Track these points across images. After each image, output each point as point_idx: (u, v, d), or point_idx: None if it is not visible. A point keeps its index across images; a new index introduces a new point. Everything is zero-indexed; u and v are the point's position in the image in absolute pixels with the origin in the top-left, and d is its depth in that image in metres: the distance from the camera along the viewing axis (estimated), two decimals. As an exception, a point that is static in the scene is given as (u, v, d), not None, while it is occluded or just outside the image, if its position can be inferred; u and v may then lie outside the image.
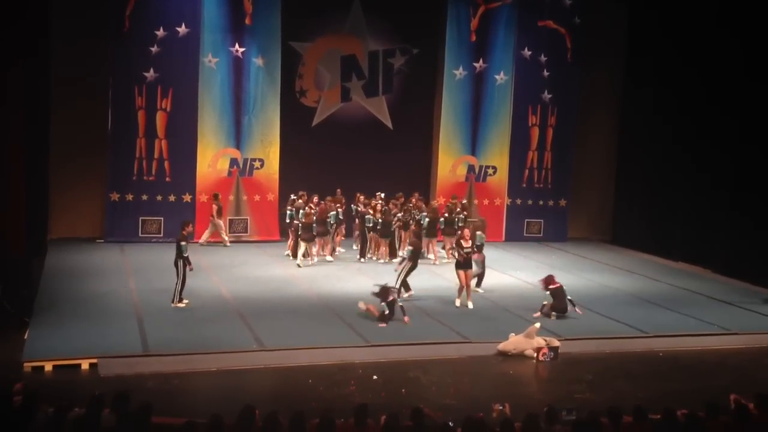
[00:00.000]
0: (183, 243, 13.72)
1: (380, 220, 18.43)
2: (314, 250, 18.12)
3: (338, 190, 19.61)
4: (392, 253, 18.74)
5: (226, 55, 19.91)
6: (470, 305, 14.61)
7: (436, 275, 17.48)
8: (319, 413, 7.20)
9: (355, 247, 19.29)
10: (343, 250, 19.32)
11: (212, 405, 8.61)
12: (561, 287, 14.27)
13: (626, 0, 22.54)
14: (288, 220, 18.60)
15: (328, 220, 18.22)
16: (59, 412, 7.05)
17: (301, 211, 17.94)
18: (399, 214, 18.73)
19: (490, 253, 20.42)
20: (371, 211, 18.53)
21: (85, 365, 10.79)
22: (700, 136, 19.81)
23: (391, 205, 18.94)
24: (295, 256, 18.02)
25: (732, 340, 13.65)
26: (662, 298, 16.29)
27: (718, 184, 19.23)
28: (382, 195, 19.30)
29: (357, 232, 19.37)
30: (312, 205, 18.18)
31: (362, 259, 18.69)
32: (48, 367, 10.68)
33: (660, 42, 21.19)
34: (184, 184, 19.81)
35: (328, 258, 18.43)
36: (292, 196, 18.79)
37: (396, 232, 18.93)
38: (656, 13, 21.43)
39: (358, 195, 19.47)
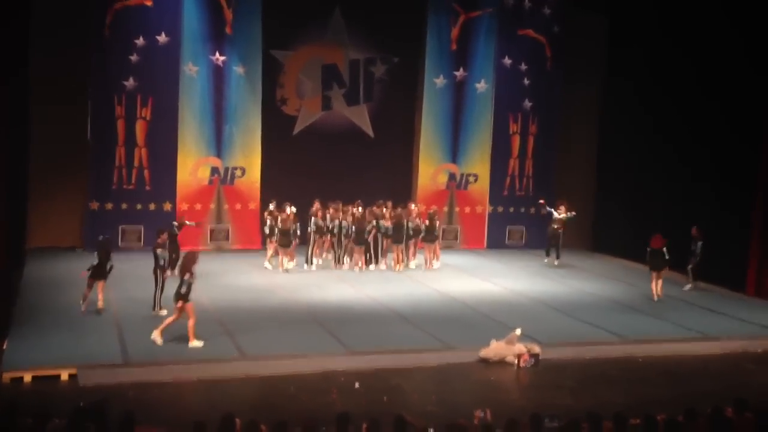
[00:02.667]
0: (159, 251, 13.70)
1: (354, 228, 18.44)
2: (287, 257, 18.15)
3: (316, 201, 19.36)
4: (368, 261, 18.76)
5: (206, 63, 19.90)
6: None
7: (418, 282, 17.51)
8: (302, 422, 7.19)
9: (327, 256, 19.21)
10: (319, 261, 19.15)
11: (193, 415, 8.55)
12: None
13: (605, 8, 22.74)
14: (268, 231, 18.56)
15: (292, 230, 18.09)
16: (37, 423, 7.00)
17: (278, 218, 18.03)
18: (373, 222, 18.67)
19: (472, 260, 20.63)
20: (349, 219, 18.55)
21: (64, 375, 10.69)
22: (681, 144, 19.96)
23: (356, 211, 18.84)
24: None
25: (711, 345, 13.75)
26: (642, 304, 16.40)
27: (697, 192, 19.39)
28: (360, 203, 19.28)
29: (330, 241, 19.16)
30: (287, 212, 18.12)
31: (338, 266, 18.67)
32: (27, 377, 10.57)
33: (640, 51, 21.38)
34: (165, 193, 19.75)
35: (289, 266, 18.28)
36: (270, 207, 18.75)
37: (378, 240, 18.92)
38: (635, 22, 21.63)
39: (316, 203, 18.90)
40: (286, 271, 17.97)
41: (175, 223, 17.17)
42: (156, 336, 11.96)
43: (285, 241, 17.91)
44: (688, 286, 17.74)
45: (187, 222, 17.56)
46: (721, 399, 8.71)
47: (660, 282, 16.75)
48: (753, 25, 18.04)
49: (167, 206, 19.75)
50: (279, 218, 18.10)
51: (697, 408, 7.99)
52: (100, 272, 13.75)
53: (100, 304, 13.68)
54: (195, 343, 11.94)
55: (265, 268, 18.30)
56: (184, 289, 12.07)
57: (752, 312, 15.95)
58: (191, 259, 12.47)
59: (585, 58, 22.99)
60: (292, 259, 18.40)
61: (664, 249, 16.57)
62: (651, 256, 16.76)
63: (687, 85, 19.78)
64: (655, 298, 16.68)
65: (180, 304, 12.03)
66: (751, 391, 10.07)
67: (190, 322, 12.01)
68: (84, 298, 13.66)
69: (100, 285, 13.78)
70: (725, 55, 18.72)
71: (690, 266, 17.69)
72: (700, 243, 17.52)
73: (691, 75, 19.64)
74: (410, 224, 18.92)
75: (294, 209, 18.37)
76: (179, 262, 13.07)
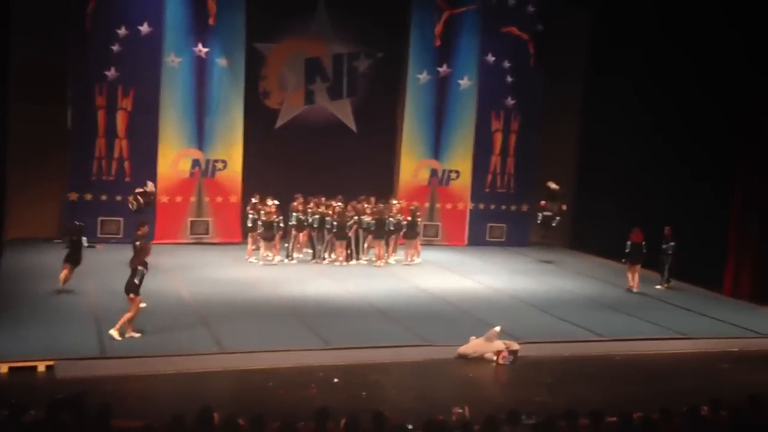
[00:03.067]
0: (138, 243, 13.65)
1: (336, 222, 18.43)
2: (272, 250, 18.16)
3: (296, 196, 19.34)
4: (349, 256, 18.79)
5: (189, 55, 19.78)
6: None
7: (398, 278, 17.54)
8: (280, 416, 7.18)
9: (306, 250, 19.21)
10: (300, 255, 19.12)
11: (171, 408, 8.51)
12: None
13: (588, 7, 22.83)
14: (250, 224, 18.50)
15: (275, 223, 18.09)
16: (14, 414, 6.95)
17: (261, 212, 18.01)
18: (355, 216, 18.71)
19: (452, 256, 20.68)
20: (330, 213, 18.54)
21: (41, 367, 10.62)
22: (661, 143, 20.10)
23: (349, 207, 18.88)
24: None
25: (687, 344, 13.89)
26: (620, 302, 16.52)
27: (678, 191, 19.53)
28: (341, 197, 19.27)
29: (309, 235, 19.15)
30: (270, 204, 18.09)
31: (317, 261, 18.68)
32: (3, 369, 10.50)
33: (622, 49, 21.48)
34: (145, 185, 19.57)
35: (277, 260, 18.32)
36: (253, 200, 18.68)
37: (360, 235, 18.96)
38: (617, 20, 21.73)
39: (299, 198, 18.94)
40: (270, 263, 17.92)
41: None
42: (114, 332, 11.76)
43: (268, 234, 17.90)
44: (659, 286, 17.91)
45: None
46: (697, 397, 8.78)
47: (637, 275, 17.47)
48: (738, 17, 18.19)
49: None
50: (262, 211, 18.06)
51: (673, 406, 8.06)
52: (71, 257, 14.31)
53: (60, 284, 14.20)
54: (114, 334, 11.72)
55: (250, 262, 18.23)
56: (137, 281, 11.98)
57: (728, 312, 16.09)
58: (145, 251, 12.42)
59: (567, 54, 23.03)
60: (277, 252, 18.38)
61: (643, 243, 17.32)
62: (632, 249, 17.43)
63: (668, 82, 19.87)
64: (635, 289, 17.37)
65: (132, 295, 11.93)
66: (726, 390, 10.16)
67: (129, 315, 11.87)
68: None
69: (66, 267, 14.27)
70: (715, 52, 18.79)
71: (667, 266, 17.86)
72: (672, 243, 17.68)
73: (675, 71, 19.71)
74: (391, 220, 18.94)
75: (276, 202, 18.32)
76: (136, 254, 12.92)
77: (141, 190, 17.52)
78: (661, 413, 7.89)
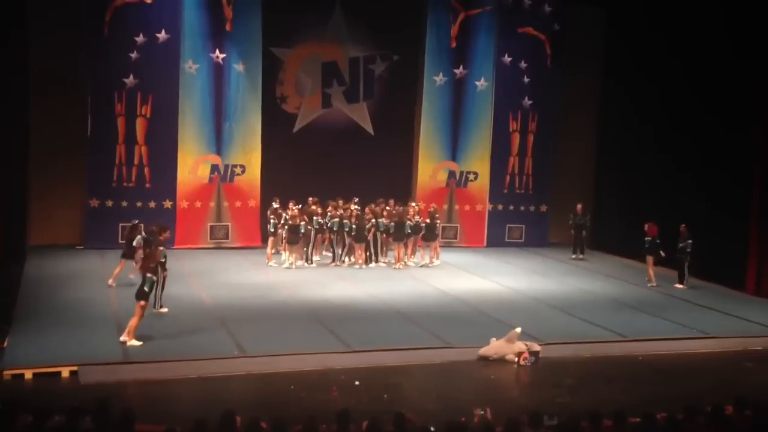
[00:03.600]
0: (161, 248, 13.72)
1: (354, 225, 18.47)
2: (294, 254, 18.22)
3: (310, 199, 19.37)
4: (368, 259, 18.81)
5: (206, 61, 19.88)
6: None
7: (417, 280, 17.53)
8: (302, 419, 7.20)
9: (326, 253, 19.28)
10: (317, 258, 19.13)
11: (193, 412, 8.56)
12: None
13: (604, 6, 22.74)
14: (272, 230, 18.57)
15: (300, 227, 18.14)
16: (38, 420, 7.00)
17: (282, 216, 18.11)
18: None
19: (471, 258, 20.64)
20: (349, 216, 18.59)
21: (65, 373, 10.71)
22: (679, 141, 19.99)
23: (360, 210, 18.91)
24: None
25: (711, 343, 13.78)
26: (641, 302, 16.42)
27: (697, 189, 19.40)
28: (356, 200, 19.28)
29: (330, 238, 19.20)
30: (292, 208, 18.16)
31: (337, 264, 18.71)
32: (28, 375, 10.58)
33: (638, 47, 21.38)
34: (165, 191, 19.74)
35: (299, 264, 18.38)
36: (274, 205, 18.75)
37: (378, 238, 19.00)
38: (634, 18, 21.63)
39: (313, 202, 18.97)
40: (294, 267, 17.97)
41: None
42: (125, 338, 11.83)
43: (293, 238, 17.94)
44: (679, 285, 17.80)
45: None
46: (721, 397, 8.72)
47: (651, 270, 17.96)
48: (743, 17, 18.09)
49: (167, 204, 19.75)
50: (285, 215, 18.11)
51: (697, 406, 8.00)
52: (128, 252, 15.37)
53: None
54: (126, 339, 11.82)
55: (270, 266, 18.28)
56: (147, 288, 12.07)
57: (751, 310, 15.97)
58: (154, 257, 12.63)
59: (584, 54, 23.00)
60: (301, 256, 18.41)
61: (656, 237, 17.90)
62: (650, 244, 17.87)
63: (686, 78, 19.77)
64: (650, 283, 17.79)
65: (142, 303, 11.99)
66: (750, 389, 10.08)
67: (134, 321, 11.90)
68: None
69: (121, 263, 15.39)
70: (721, 53, 18.70)
71: (686, 264, 17.76)
72: (689, 241, 17.57)
73: (692, 66, 19.60)
74: (410, 222, 18.93)
75: (300, 206, 18.39)
76: (144, 260, 13.09)
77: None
78: (685, 413, 7.83)
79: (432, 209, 19.77)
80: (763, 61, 17.65)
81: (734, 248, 18.12)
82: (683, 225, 17.73)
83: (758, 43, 17.74)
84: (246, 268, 18.10)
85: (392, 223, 18.77)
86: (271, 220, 18.53)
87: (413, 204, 20.12)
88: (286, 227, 18.05)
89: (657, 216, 18.88)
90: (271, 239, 18.61)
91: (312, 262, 18.73)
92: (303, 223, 18.09)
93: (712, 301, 16.78)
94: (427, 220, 19.19)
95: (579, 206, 21.21)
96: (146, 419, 7.90)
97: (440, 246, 20.20)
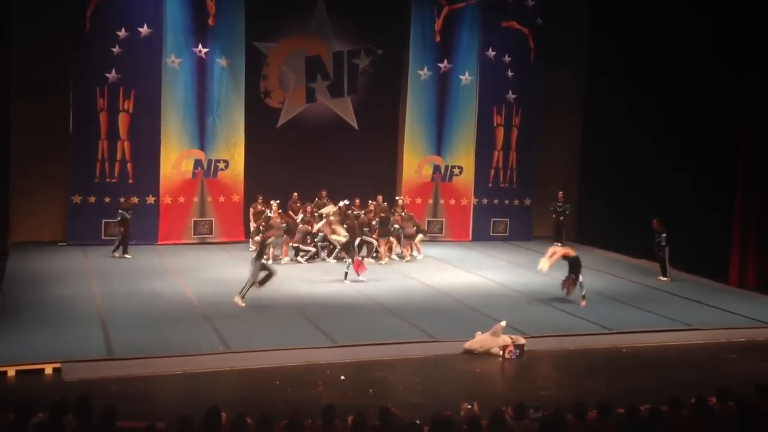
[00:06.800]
0: (120, 210, 15.84)
1: (377, 221, 18.66)
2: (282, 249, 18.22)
3: (295, 194, 19.36)
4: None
5: (189, 55, 19.75)
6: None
7: (402, 275, 17.53)
8: (287, 415, 7.18)
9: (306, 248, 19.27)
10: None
11: (178, 408, 8.53)
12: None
13: (590, 1, 22.79)
14: (255, 234, 18.55)
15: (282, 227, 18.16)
16: (21, 417, 6.95)
17: (266, 213, 18.11)
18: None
19: (456, 252, 20.66)
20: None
21: (48, 370, 10.63)
22: (664, 135, 20.06)
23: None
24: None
25: (694, 335, 13.87)
26: (625, 295, 16.49)
27: (681, 183, 19.51)
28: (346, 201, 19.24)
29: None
30: (275, 207, 18.15)
31: (327, 260, 18.69)
32: (11, 372, 10.50)
33: (623, 42, 21.44)
34: (148, 186, 19.60)
35: (285, 260, 18.37)
36: (260, 207, 18.75)
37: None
38: (619, 13, 21.68)
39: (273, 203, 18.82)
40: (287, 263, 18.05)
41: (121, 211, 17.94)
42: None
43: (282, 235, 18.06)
44: (662, 278, 17.92)
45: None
46: (705, 388, 8.78)
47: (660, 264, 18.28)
48: (726, 18, 18.16)
49: (151, 199, 19.63)
50: (268, 212, 18.07)
51: (681, 398, 8.05)
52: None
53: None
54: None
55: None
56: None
57: (734, 302, 16.08)
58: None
59: (568, 48, 23.05)
60: (286, 253, 18.41)
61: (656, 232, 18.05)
62: (663, 241, 18.05)
63: (670, 77, 19.85)
64: (661, 278, 18.09)
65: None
66: (734, 381, 10.14)
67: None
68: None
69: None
70: (706, 50, 18.79)
71: (666, 257, 17.88)
72: (664, 235, 17.68)
73: (677, 61, 19.66)
74: (397, 227, 18.98)
75: (278, 201, 18.36)
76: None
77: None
78: (669, 405, 7.87)
79: (406, 214, 19.57)
80: (748, 57, 17.72)
81: (717, 241, 18.24)
82: (655, 220, 17.89)
83: (743, 38, 17.81)
84: (230, 264, 18.02)
85: (377, 219, 18.76)
86: (252, 225, 18.54)
87: (398, 198, 20.15)
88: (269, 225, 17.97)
89: (641, 210, 18.98)
90: (252, 241, 18.58)
91: (299, 258, 18.67)
92: (284, 225, 18.08)
93: (695, 293, 16.88)
94: (382, 214, 19.11)
95: (560, 193, 21.91)
96: (131, 416, 7.86)
97: (424, 240, 20.19)
